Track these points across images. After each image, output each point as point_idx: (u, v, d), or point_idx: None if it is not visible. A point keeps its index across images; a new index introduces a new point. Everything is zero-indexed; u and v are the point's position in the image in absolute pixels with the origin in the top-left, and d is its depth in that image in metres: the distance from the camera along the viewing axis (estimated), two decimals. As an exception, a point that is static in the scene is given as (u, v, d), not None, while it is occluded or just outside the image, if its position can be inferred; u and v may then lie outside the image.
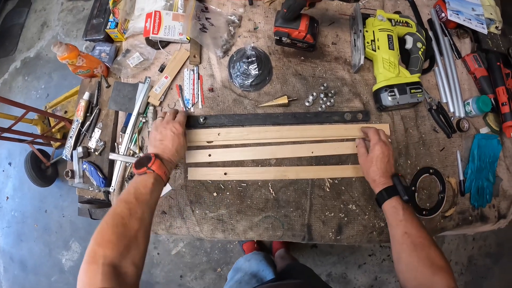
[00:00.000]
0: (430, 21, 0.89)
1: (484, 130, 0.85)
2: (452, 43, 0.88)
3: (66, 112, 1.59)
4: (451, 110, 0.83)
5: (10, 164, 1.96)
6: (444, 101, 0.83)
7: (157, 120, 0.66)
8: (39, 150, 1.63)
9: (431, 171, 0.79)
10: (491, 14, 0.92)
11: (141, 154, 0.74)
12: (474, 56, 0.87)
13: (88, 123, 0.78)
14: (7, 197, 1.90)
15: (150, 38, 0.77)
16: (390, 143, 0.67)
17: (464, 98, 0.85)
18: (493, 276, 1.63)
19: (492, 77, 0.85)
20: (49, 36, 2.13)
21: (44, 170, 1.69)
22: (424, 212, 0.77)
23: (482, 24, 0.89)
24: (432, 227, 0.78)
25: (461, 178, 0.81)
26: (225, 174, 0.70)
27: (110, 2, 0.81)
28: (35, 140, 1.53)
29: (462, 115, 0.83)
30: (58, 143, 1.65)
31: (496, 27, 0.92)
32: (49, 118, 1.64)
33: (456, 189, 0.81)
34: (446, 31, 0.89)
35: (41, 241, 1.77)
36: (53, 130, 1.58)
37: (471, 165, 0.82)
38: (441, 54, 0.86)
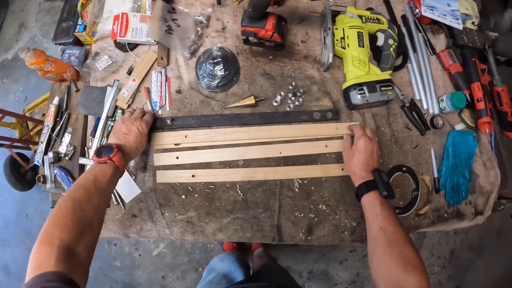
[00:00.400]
0: (404, 17, 0.88)
1: (459, 127, 0.84)
2: (426, 39, 0.87)
3: (44, 115, 1.57)
4: (425, 107, 0.82)
5: None
6: (418, 98, 0.82)
7: (125, 114, 0.69)
8: (18, 154, 1.60)
9: (404, 169, 0.78)
10: (467, 9, 0.91)
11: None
12: (449, 52, 0.86)
13: (58, 128, 0.78)
14: None
15: (117, 40, 0.77)
16: (376, 139, 0.68)
17: (439, 94, 0.84)
18: (476, 269, 1.64)
19: (467, 73, 0.84)
20: (27, 38, 2.10)
21: (23, 174, 1.67)
22: (397, 211, 0.77)
23: (458, 19, 0.87)
24: (406, 225, 0.77)
25: (436, 175, 0.81)
26: (193, 176, 0.70)
27: (79, 5, 0.80)
28: (13, 144, 1.51)
29: (436, 112, 0.82)
30: (36, 147, 1.62)
31: (473, 23, 0.91)
32: (27, 121, 1.63)
33: (431, 187, 0.81)
34: (420, 27, 0.87)
35: (23, 246, 1.77)
36: (32, 133, 1.57)
37: (446, 162, 0.81)
38: (414, 50, 0.85)
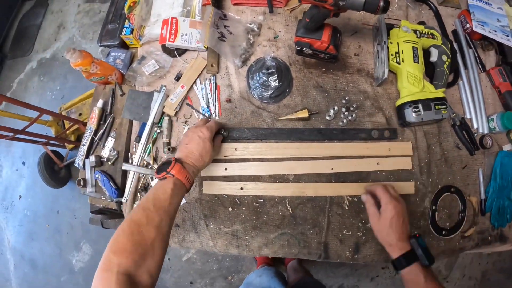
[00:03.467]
0: (454, 32, 0.86)
1: (507, 147, 0.82)
2: (476, 55, 0.85)
3: (80, 114, 1.58)
4: (475, 126, 0.80)
5: (24, 163, 1.96)
6: (468, 116, 0.80)
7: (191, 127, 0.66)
8: (52, 151, 1.63)
9: (452, 189, 0.76)
10: (518, 26, 0.88)
11: (155, 165, 0.72)
12: (499, 69, 0.84)
13: (101, 131, 0.77)
14: (20, 196, 1.91)
15: (166, 45, 0.75)
16: (401, 199, 0.61)
17: (488, 113, 0.82)
18: None
19: (517, 92, 0.82)
20: (65, 38, 2.13)
21: (57, 172, 1.68)
22: (443, 232, 0.75)
23: (508, 36, 0.85)
24: (451, 247, 0.75)
25: (482, 197, 0.79)
26: (241, 189, 0.68)
27: (126, 7, 0.79)
28: (49, 142, 1.52)
29: (486, 131, 0.80)
30: (72, 145, 1.64)
31: (523, 40, 0.88)
32: (64, 120, 1.64)
33: (477, 208, 0.79)
34: (471, 43, 0.85)
35: (52, 241, 1.78)
36: (67, 132, 1.58)
37: (493, 184, 0.79)
38: (465, 67, 0.83)
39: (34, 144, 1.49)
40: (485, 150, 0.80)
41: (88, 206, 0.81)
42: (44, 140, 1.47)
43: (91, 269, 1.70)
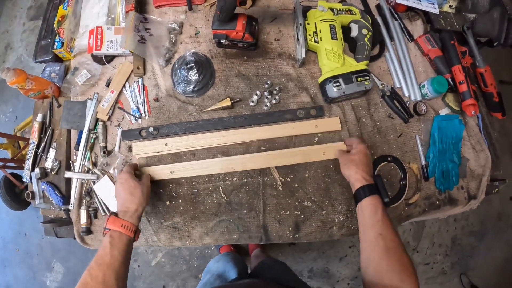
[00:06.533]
0: (378, 6, 0.87)
1: (444, 112, 0.83)
2: (403, 26, 0.86)
3: None
4: (406, 94, 0.81)
5: None
6: (398, 86, 0.81)
7: None
8: (11, 174, 1.59)
9: (389, 158, 0.77)
10: (444, -8, 0.90)
11: (96, 170, 0.75)
12: (427, 37, 0.85)
13: (43, 144, 0.79)
14: None
15: (94, 54, 0.78)
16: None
17: (420, 81, 0.83)
18: (479, 254, 1.61)
19: (447, 57, 0.83)
20: (13, 58, 2.12)
21: (18, 194, 1.67)
22: (385, 200, 0.76)
23: (433, 4, 0.87)
24: (397, 216, 0.76)
25: (423, 163, 0.79)
26: (172, 172, 0.70)
27: (55, 22, 0.82)
28: (6, 164, 1.52)
29: (419, 98, 0.81)
30: None
31: (450, 6, 0.89)
32: (19, 141, 1.64)
33: (419, 175, 0.79)
34: (396, 15, 0.87)
35: (24, 265, 1.78)
36: (23, 152, 1.57)
37: (433, 148, 0.80)
38: (391, 38, 0.84)
39: (-9, 168, 1.48)
40: (420, 117, 0.81)
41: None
42: (1, 163, 1.47)
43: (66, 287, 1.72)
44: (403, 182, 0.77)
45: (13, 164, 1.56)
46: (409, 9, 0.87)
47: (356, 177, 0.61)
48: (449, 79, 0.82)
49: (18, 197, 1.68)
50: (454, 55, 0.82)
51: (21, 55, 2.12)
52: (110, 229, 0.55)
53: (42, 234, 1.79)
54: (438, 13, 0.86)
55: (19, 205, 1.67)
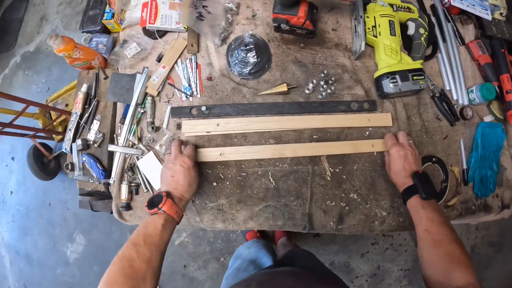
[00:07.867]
0: (432, 7, 0.87)
1: (488, 118, 0.84)
2: (455, 29, 0.86)
3: (67, 105, 1.58)
4: (455, 97, 0.81)
5: (13, 158, 1.97)
6: (447, 88, 0.81)
7: (165, 157, 0.66)
8: (41, 144, 1.62)
9: (434, 159, 0.78)
10: (496, 0, 0.90)
11: (140, 145, 0.74)
12: (478, 42, 0.85)
13: (86, 115, 0.77)
14: (11, 192, 1.92)
15: (147, 28, 0.76)
16: (410, 141, 0.69)
17: (467, 85, 0.83)
18: (495, 265, 1.63)
19: (496, 64, 0.83)
20: (48, 30, 2.11)
21: (46, 164, 1.69)
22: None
23: (486, 10, 0.87)
24: (435, 216, 0.77)
25: (464, 167, 0.80)
26: (221, 154, 0.69)
27: (106, -8, 0.80)
28: (37, 134, 1.52)
29: (466, 102, 0.81)
30: (60, 137, 1.64)
31: (501, 13, 0.90)
32: (50, 111, 1.63)
33: (459, 178, 0.80)
34: (449, 17, 0.87)
35: (45, 235, 1.79)
36: (55, 123, 1.57)
37: (475, 154, 0.80)
38: (444, 40, 0.84)
39: (22, 137, 1.49)
40: (465, 121, 0.81)
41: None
42: (31, 133, 1.47)
43: (85, 260, 1.72)
44: (445, 184, 0.78)
45: (43, 134, 1.55)
46: (462, 12, 0.87)
47: (397, 184, 0.65)
48: (496, 87, 0.82)
49: (46, 167, 1.68)
50: (504, 63, 0.83)
51: (57, 27, 2.10)
52: (165, 212, 0.54)
53: (67, 205, 1.81)
54: (490, 19, 0.86)
55: (46, 175, 1.68)
